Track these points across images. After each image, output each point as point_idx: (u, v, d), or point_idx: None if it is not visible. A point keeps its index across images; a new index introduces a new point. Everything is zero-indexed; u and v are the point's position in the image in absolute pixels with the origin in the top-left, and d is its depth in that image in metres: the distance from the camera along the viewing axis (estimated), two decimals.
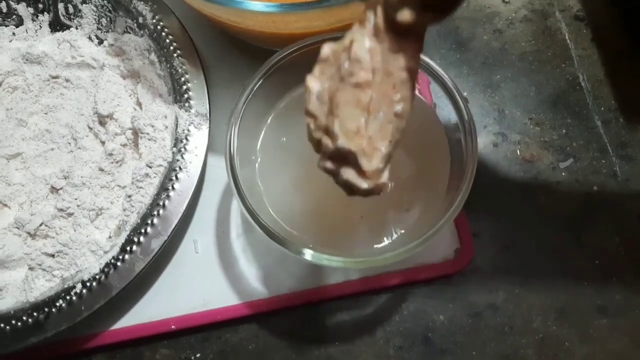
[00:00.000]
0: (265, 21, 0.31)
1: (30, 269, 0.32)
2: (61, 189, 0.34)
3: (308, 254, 0.27)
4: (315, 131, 0.22)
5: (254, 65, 0.40)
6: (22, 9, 0.39)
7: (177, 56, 0.36)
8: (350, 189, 0.22)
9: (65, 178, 0.34)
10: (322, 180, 0.31)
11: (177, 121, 0.35)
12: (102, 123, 0.36)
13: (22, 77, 0.38)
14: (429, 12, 0.19)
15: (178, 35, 0.37)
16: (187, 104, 0.35)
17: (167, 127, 0.35)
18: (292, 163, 0.31)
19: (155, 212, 0.32)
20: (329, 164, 0.22)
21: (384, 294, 0.35)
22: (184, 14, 0.38)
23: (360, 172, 0.21)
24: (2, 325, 0.30)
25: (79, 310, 0.31)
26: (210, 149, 0.35)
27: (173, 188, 0.33)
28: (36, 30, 0.39)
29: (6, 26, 0.39)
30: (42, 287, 0.32)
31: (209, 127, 0.35)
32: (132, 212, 0.33)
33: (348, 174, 0.22)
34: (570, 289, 0.35)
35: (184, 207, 0.33)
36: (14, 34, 0.39)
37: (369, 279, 0.34)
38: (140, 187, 0.34)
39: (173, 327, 0.34)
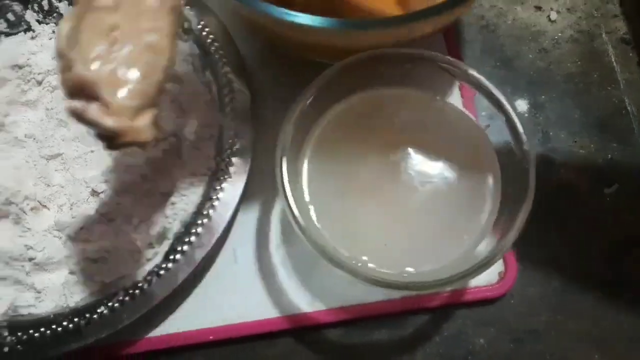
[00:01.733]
0: (328, 37, 0.31)
1: (71, 273, 0.32)
2: (102, 192, 0.34)
3: (362, 275, 0.27)
4: (64, 72, 0.19)
5: (297, 75, 0.39)
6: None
7: (223, 64, 0.36)
8: (100, 133, 0.19)
9: (106, 182, 0.34)
10: (372, 195, 0.31)
11: (221, 130, 0.35)
12: None
13: None
14: None
15: (223, 42, 0.36)
16: (232, 114, 0.35)
17: (211, 135, 0.35)
18: (342, 177, 0.31)
19: (200, 222, 0.32)
20: (74, 103, 0.19)
21: (423, 314, 0.34)
22: (228, 21, 0.37)
23: (104, 106, 0.19)
24: (42, 329, 0.30)
25: (120, 318, 0.30)
26: (253, 159, 0.35)
27: (218, 198, 0.33)
28: None
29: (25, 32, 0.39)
30: (83, 292, 0.31)
31: (253, 137, 0.34)
32: (175, 220, 0.33)
33: (92, 110, 0.19)
34: (613, 318, 0.34)
35: (228, 218, 0.32)
36: (53, 32, 0.39)
37: (410, 299, 0.34)
38: (184, 195, 0.33)
39: (211, 337, 0.33)
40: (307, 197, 0.31)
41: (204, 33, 0.36)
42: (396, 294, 0.34)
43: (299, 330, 0.34)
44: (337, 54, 0.34)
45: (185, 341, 0.33)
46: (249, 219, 0.36)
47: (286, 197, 0.28)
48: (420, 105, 0.33)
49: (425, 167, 0.31)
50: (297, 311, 0.34)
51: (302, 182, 0.31)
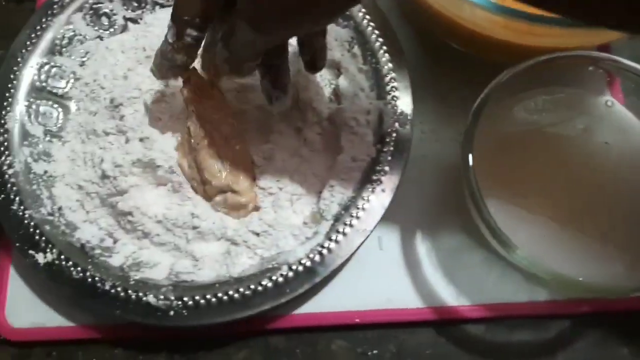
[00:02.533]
0: (505, 27, 0.31)
1: (234, 244, 0.32)
2: (261, 166, 0.34)
3: (543, 271, 0.27)
4: (206, 185, 0.33)
5: (455, 70, 0.39)
6: None
7: (384, 52, 0.36)
8: (233, 207, 0.33)
9: (264, 159, 0.35)
10: (554, 192, 0.31)
11: (381, 118, 0.35)
12: (300, 109, 0.36)
13: None
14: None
15: (384, 31, 0.37)
16: (392, 102, 0.35)
17: (369, 122, 0.35)
18: (520, 173, 0.31)
19: (361, 206, 0.32)
20: (218, 199, 0.33)
21: (567, 319, 0.34)
22: (387, 11, 0.38)
23: (236, 193, 0.33)
24: (208, 296, 0.31)
25: (283, 292, 0.31)
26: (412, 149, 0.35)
27: (380, 182, 0.33)
28: None
29: None
30: (244, 263, 0.32)
31: (412, 126, 0.35)
32: (333, 202, 0.33)
33: (230, 198, 0.33)
34: None
35: (387, 203, 0.33)
36: None
37: (556, 304, 0.34)
38: (343, 179, 0.34)
39: (357, 320, 0.34)
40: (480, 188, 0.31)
41: (365, 21, 0.37)
42: (542, 296, 0.34)
43: (441, 322, 0.34)
44: (505, 52, 0.34)
45: (332, 321, 0.34)
46: (397, 208, 0.36)
47: (482, 203, 0.28)
48: (589, 106, 0.33)
49: (606, 167, 0.31)
50: (442, 304, 0.34)
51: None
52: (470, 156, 0.29)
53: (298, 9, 0.24)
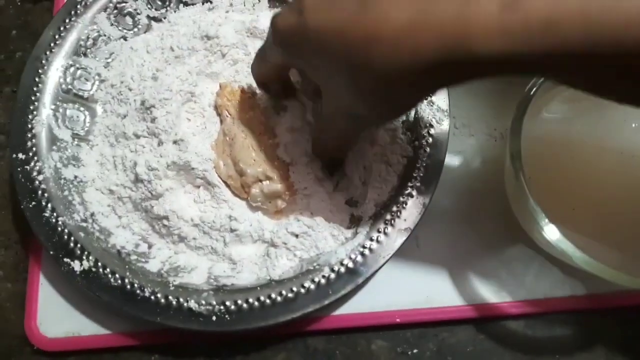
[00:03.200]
0: None
1: (273, 246, 0.32)
2: (297, 165, 0.34)
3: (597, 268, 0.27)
4: (242, 176, 0.33)
5: None
6: None
7: None
8: (270, 195, 0.33)
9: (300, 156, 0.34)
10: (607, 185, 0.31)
11: (416, 115, 0.34)
12: None
13: (243, 51, 0.38)
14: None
15: None
16: (428, 99, 0.34)
17: (404, 121, 0.34)
18: (564, 168, 0.31)
19: (401, 204, 0.32)
20: (256, 189, 0.33)
21: (607, 313, 0.34)
22: None
23: (272, 180, 0.33)
24: (250, 300, 0.30)
25: (326, 294, 0.30)
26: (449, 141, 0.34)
27: (417, 179, 0.32)
28: (254, 5, 0.39)
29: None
30: (284, 265, 0.32)
31: (449, 123, 0.34)
32: (370, 202, 0.33)
33: (266, 186, 0.33)
34: None
35: (427, 201, 0.32)
36: (231, 4, 0.39)
37: (596, 297, 0.34)
38: (380, 177, 0.33)
39: (398, 320, 0.33)
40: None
41: None
42: (582, 291, 0.34)
43: (481, 319, 0.34)
44: None
45: (372, 321, 0.33)
46: (432, 204, 0.35)
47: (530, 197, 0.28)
48: None
49: None
50: (481, 301, 0.34)
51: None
52: (519, 143, 0.29)
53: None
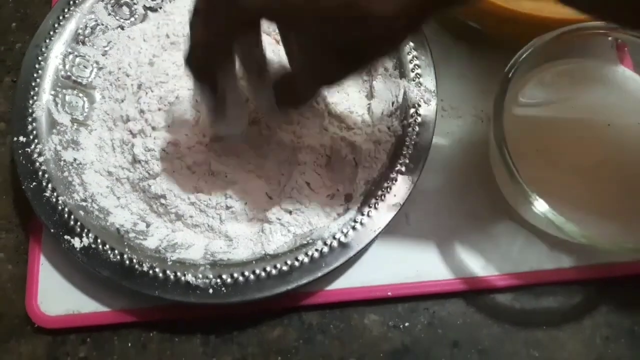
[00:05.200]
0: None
1: (269, 222, 0.33)
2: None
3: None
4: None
5: (474, 48, 0.40)
6: None
7: None
8: None
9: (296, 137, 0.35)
10: (582, 156, 0.32)
11: (405, 95, 0.36)
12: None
13: None
14: None
15: None
16: (416, 79, 0.36)
17: (394, 102, 0.36)
18: (546, 140, 0.32)
19: (391, 181, 0.33)
20: None
21: (591, 284, 0.35)
22: None
23: None
24: (245, 273, 0.31)
25: (319, 266, 0.31)
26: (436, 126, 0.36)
27: (406, 157, 0.34)
28: None
29: None
30: (278, 241, 0.33)
31: (436, 104, 0.35)
32: (360, 180, 0.34)
33: None
34: None
35: (415, 179, 0.33)
36: None
37: (580, 269, 0.35)
38: (370, 157, 0.34)
39: (389, 294, 0.34)
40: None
41: None
42: (568, 263, 0.35)
43: (470, 292, 0.35)
44: (526, 26, 0.35)
45: (365, 295, 0.34)
46: (423, 184, 0.36)
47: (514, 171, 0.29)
48: (598, 74, 0.35)
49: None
50: (470, 274, 0.35)
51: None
52: (502, 119, 0.30)
53: None
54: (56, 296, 0.34)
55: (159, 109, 0.34)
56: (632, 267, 0.35)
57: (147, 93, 0.34)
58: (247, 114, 0.33)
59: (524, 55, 0.32)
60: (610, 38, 0.33)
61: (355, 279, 0.35)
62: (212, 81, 0.27)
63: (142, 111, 0.34)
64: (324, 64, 0.26)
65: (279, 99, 0.29)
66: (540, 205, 0.29)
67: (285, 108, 0.32)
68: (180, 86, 0.35)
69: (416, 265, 0.35)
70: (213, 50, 0.25)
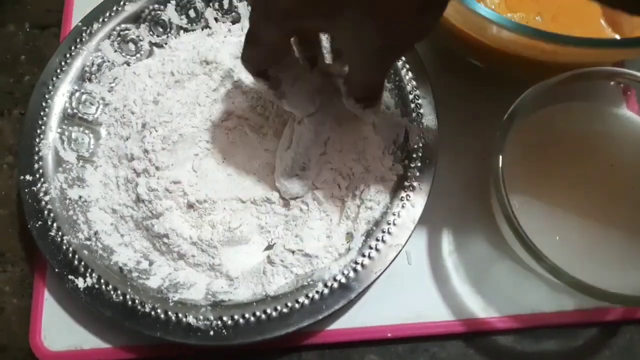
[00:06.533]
0: (527, 46, 0.32)
1: (271, 263, 0.33)
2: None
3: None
4: None
5: (476, 87, 0.40)
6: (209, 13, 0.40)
7: (407, 70, 0.37)
8: None
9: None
10: (582, 201, 0.32)
11: (407, 134, 0.36)
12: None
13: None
14: None
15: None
16: (418, 119, 0.36)
17: (396, 139, 0.36)
18: (548, 185, 0.32)
19: (392, 221, 0.33)
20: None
21: (594, 327, 0.35)
22: None
23: None
24: (246, 315, 0.31)
25: (319, 309, 0.31)
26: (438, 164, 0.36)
27: (408, 198, 0.34)
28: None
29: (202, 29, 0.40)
30: (279, 281, 0.33)
31: (438, 142, 0.36)
32: (362, 220, 0.34)
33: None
34: None
35: (417, 218, 0.33)
36: (229, 30, 0.41)
37: (583, 312, 0.35)
38: (371, 197, 0.34)
39: (389, 335, 0.34)
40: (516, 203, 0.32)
41: None
42: (569, 306, 0.35)
43: (470, 334, 0.35)
44: (527, 69, 0.35)
45: (365, 336, 0.34)
46: (421, 222, 0.37)
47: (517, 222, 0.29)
48: (602, 117, 0.35)
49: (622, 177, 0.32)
50: (470, 316, 0.35)
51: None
52: (500, 168, 0.30)
53: None
54: (59, 331, 0.35)
55: (163, 149, 0.34)
56: (635, 312, 0.35)
57: (151, 132, 0.34)
58: (314, 100, 0.34)
59: (527, 98, 0.32)
60: (613, 83, 0.33)
61: (356, 319, 0.35)
62: (267, 76, 0.31)
63: (146, 151, 0.34)
64: (365, 59, 0.27)
65: (358, 99, 0.31)
66: (535, 258, 0.29)
67: (368, 107, 0.32)
68: (185, 124, 0.36)
69: (416, 305, 0.35)
70: (264, 50, 0.29)
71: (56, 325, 0.35)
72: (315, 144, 0.34)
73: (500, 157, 0.30)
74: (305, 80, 0.33)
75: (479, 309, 0.35)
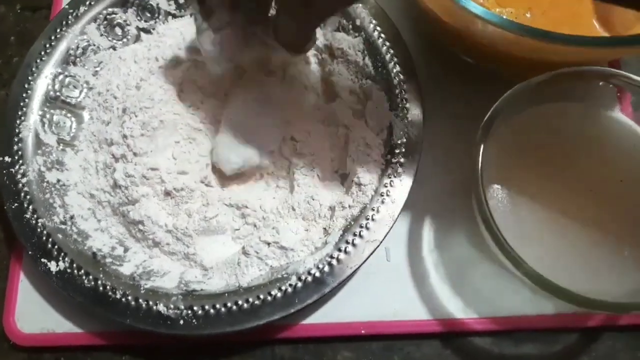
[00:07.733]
0: (516, 43, 0.31)
1: (246, 254, 0.33)
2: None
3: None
4: None
5: (465, 82, 0.39)
6: None
7: (395, 64, 0.36)
8: None
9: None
10: (566, 203, 0.31)
11: (391, 128, 0.35)
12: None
13: None
14: None
15: (394, 42, 0.37)
16: (402, 113, 0.35)
17: (380, 132, 0.35)
18: (531, 186, 0.31)
19: (370, 216, 0.33)
20: None
21: (574, 333, 0.34)
22: (398, 22, 0.38)
23: None
24: (217, 306, 0.31)
25: (292, 302, 0.31)
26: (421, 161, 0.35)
27: (388, 194, 0.33)
28: None
29: None
30: (254, 273, 0.32)
31: (422, 138, 0.35)
32: (339, 217, 0.33)
33: None
34: None
35: (396, 214, 0.33)
36: None
37: (563, 317, 0.34)
38: (353, 193, 0.34)
39: (363, 331, 0.34)
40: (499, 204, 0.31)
41: (376, 32, 0.37)
42: (550, 310, 0.34)
43: (447, 334, 0.34)
44: (516, 66, 0.34)
45: (338, 332, 0.34)
46: (404, 218, 0.36)
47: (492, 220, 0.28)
48: (593, 119, 0.34)
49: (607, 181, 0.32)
50: (448, 316, 0.34)
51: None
52: (479, 169, 0.29)
53: None
54: (33, 314, 0.35)
55: (142, 135, 0.34)
56: (614, 318, 0.34)
57: (130, 118, 0.34)
58: (234, 53, 0.33)
59: (509, 97, 0.31)
60: (602, 83, 0.32)
61: (331, 314, 0.34)
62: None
63: (125, 136, 0.34)
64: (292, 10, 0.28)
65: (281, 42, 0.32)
66: (515, 264, 0.28)
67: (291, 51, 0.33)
68: (166, 111, 0.35)
69: (394, 303, 0.35)
70: None
71: (30, 308, 0.35)
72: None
73: (480, 160, 0.29)
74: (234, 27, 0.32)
75: (458, 309, 0.34)
